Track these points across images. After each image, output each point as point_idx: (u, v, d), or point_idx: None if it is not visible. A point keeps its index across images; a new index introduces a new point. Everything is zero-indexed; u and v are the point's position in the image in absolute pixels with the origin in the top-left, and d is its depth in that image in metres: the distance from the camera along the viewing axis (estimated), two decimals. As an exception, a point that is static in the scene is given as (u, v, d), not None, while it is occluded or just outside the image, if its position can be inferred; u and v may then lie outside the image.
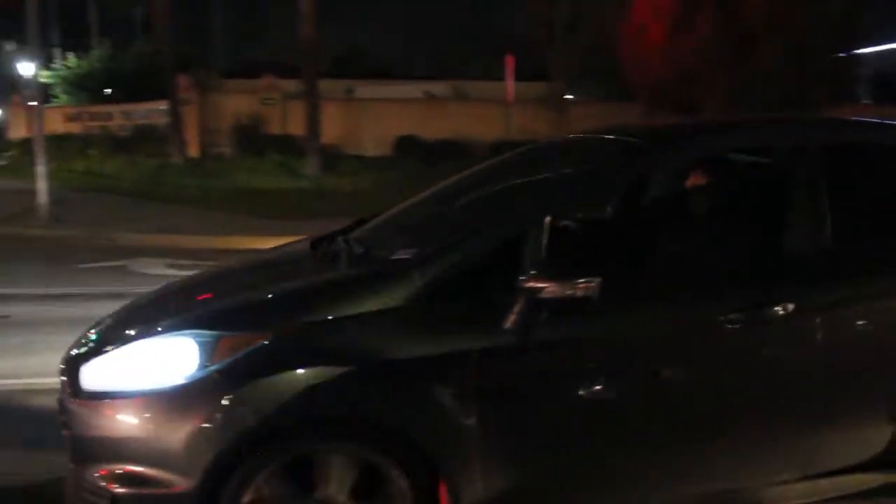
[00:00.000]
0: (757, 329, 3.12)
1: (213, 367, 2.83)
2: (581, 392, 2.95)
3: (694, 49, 18.66)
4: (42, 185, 14.16)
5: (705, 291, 3.20)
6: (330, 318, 2.91)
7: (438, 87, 31.13)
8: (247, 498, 2.80)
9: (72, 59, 33.34)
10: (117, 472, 2.89)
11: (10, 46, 31.33)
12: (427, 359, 2.85)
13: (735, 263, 3.32)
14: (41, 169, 14.22)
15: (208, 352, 2.86)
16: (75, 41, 35.72)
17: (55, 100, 32.34)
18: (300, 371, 2.83)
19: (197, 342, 2.88)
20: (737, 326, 3.09)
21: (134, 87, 31.86)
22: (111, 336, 3.23)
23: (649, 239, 3.50)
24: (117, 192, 18.43)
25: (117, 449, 2.89)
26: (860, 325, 3.26)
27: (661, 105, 18.94)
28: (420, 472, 2.88)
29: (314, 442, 2.91)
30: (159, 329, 3.07)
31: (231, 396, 2.79)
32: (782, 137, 3.66)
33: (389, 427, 2.88)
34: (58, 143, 23.92)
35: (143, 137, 27.23)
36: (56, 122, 29.20)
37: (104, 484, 2.90)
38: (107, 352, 3.09)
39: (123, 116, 30.23)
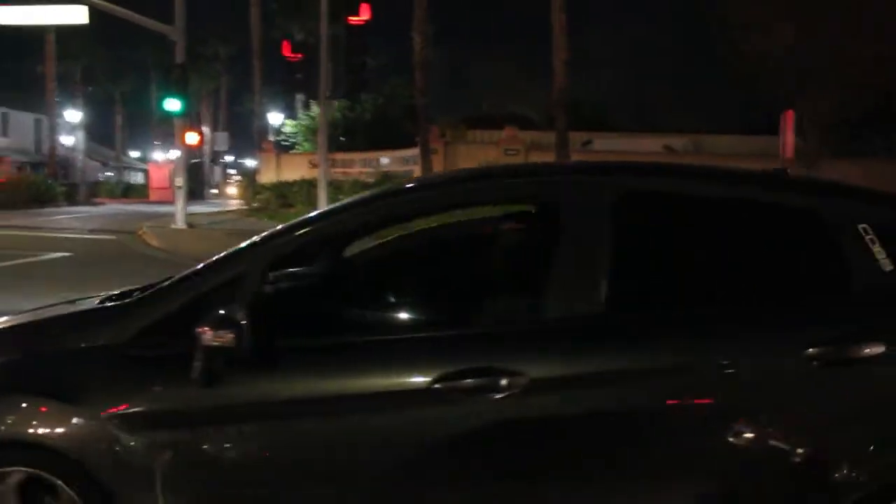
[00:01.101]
0: (475, 401, 2.75)
1: None
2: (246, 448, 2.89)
3: None
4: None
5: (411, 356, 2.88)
6: (48, 349, 3.19)
7: (678, 141, 29.85)
8: None
9: (313, 109, 34.78)
10: None
11: (299, 96, 33.28)
12: (119, 397, 2.94)
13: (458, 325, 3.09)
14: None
15: None
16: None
17: (297, 147, 33.75)
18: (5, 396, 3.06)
19: None
20: (452, 397, 2.74)
21: (369, 136, 32.77)
22: None
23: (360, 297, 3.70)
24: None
25: None
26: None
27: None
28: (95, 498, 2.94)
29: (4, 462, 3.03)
30: None
31: None
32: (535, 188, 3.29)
33: (70, 458, 2.94)
34: (307, 188, 24.65)
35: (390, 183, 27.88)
36: (301, 168, 30.39)
37: None
38: None
39: (364, 163, 31.19)
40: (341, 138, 33.49)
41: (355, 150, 32.94)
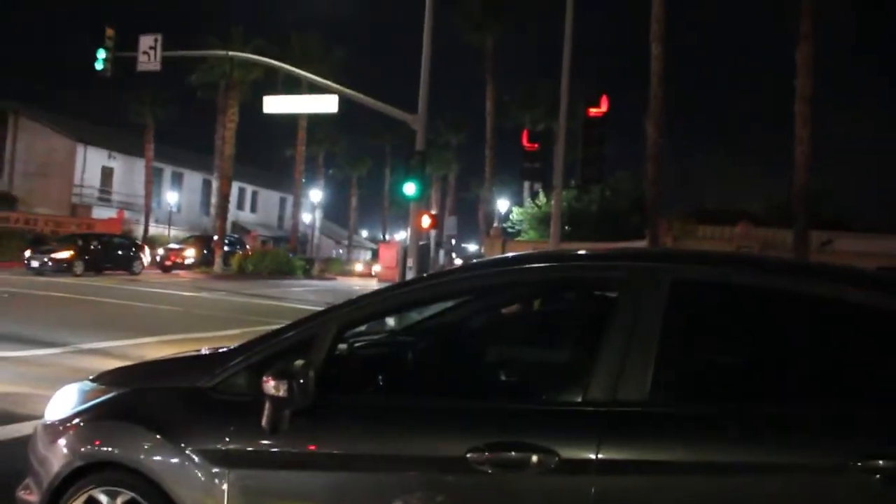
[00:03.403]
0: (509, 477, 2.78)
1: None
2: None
3: None
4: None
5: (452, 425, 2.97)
6: (159, 386, 3.58)
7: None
8: None
9: (541, 198, 35.25)
10: None
11: (537, 186, 34.20)
12: (200, 434, 3.23)
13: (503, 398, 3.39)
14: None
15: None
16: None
17: (523, 235, 34.21)
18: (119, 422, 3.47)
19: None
20: (484, 469, 2.78)
21: (595, 228, 32.64)
22: None
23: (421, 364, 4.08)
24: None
25: None
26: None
27: None
28: None
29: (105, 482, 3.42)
30: None
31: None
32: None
33: (160, 484, 3.24)
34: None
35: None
36: (524, 256, 30.67)
37: None
38: None
39: (589, 255, 30.99)
40: (566, 227, 33.67)
41: (581, 240, 32.98)
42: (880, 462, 2.45)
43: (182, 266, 40.25)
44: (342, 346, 3.69)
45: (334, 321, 3.31)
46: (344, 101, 24.04)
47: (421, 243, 31.42)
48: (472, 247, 65.19)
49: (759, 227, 28.99)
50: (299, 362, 3.07)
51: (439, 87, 47.25)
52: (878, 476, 2.45)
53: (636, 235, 28.01)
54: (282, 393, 2.98)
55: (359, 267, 58.02)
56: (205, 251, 42.15)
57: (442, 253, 51.69)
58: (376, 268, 51.86)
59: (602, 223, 33.25)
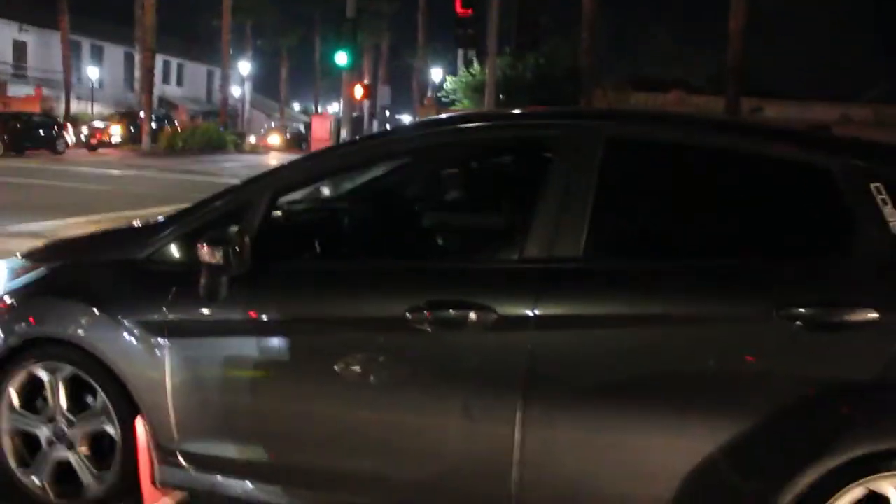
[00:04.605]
0: (448, 335, 2.83)
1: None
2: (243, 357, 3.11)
3: None
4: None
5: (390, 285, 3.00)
6: (92, 260, 3.53)
7: (858, 111, 28.00)
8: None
9: (475, 66, 34.72)
10: None
11: (471, 54, 33.47)
12: (137, 306, 3.22)
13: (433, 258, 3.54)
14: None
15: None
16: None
17: (458, 104, 33.89)
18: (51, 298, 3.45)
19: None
20: (424, 328, 2.83)
21: (530, 96, 32.43)
22: None
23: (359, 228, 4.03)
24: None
25: None
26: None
27: None
28: (121, 401, 3.25)
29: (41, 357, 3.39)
30: None
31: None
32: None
33: (101, 361, 3.24)
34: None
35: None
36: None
37: None
38: None
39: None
40: (500, 96, 33.35)
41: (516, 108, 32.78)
42: (801, 310, 2.54)
43: (109, 144, 39.04)
44: (278, 214, 3.62)
45: (268, 187, 3.26)
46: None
47: (354, 114, 31.01)
48: (406, 117, 64.42)
49: (693, 94, 29.16)
50: (234, 228, 3.03)
51: (369, -49, 45.49)
52: (799, 323, 2.54)
53: (571, 103, 27.93)
54: (217, 260, 2.96)
55: (252, 139, 51.67)
56: (131, 128, 40.87)
57: (376, 123, 51.11)
58: (272, 139, 49.84)
59: (537, 91, 32.92)
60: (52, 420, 3.40)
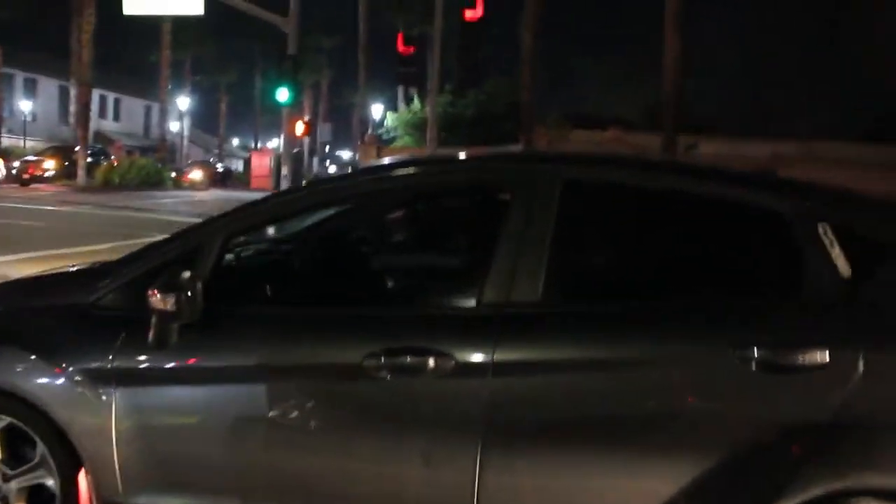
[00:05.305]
0: (405, 382, 2.79)
1: None
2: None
3: None
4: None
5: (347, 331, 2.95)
6: (31, 305, 3.40)
7: (789, 147, 28.83)
8: None
9: (416, 103, 34.96)
10: None
11: (412, 91, 33.66)
12: (82, 352, 3.10)
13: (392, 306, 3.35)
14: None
15: None
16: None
17: (398, 140, 34.00)
18: None
19: None
20: (381, 375, 2.79)
21: (470, 133, 32.71)
22: None
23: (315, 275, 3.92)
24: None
25: None
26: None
27: None
28: (63, 452, 3.11)
29: None
30: None
31: None
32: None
33: (42, 410, 3.09)
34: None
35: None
36: (398, 162, 30.53)
37: None
38: None
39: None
40: (441, 133, 33.60)
41: (456, 145, 32.99)
42: (756, 351, 2.57)
43: (42, 179, 38.11)
44: (229, 256, 3.56)
45: (220, 231, 3.19)
46: (210, 3, 22.92)
47: (295, 150, 30.87)
48: (346, 154, 64.43)
49: (630, 131, 29.73)
50: (186, 274, 2.93)
51: (310, -12, 45.61)
52: (754, 364, 2.57)
53: (511, 140, 28.22)
54: (169, 307, 2.86)
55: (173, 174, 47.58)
56: (66, 163, 40.00)
57: (316, 160, 50.98)
58: (195, 174, 48.20)
59: (477, 128, 33.29)
60: None
